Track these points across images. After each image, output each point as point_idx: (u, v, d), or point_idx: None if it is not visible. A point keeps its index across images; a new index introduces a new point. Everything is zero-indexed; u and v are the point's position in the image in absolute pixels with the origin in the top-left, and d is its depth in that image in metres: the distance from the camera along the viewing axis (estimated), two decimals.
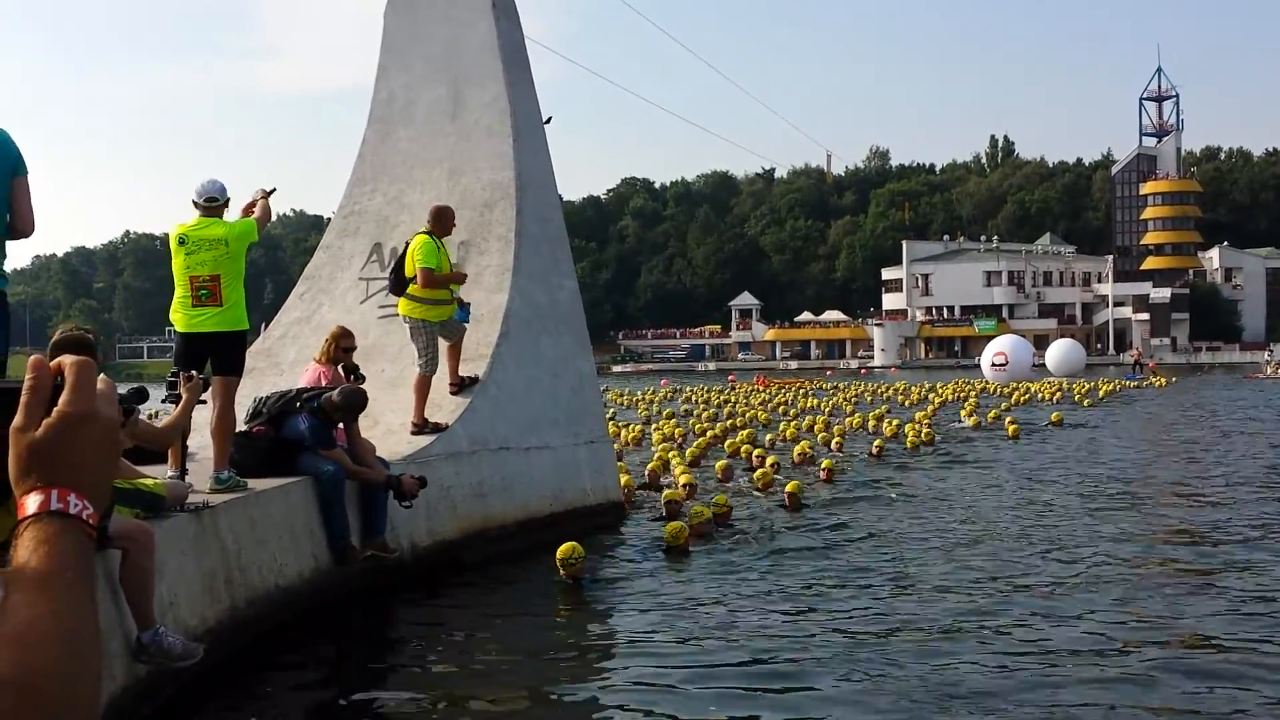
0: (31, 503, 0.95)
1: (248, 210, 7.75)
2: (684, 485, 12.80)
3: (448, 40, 12.06)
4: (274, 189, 7.87)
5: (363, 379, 8.57)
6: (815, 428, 21.57)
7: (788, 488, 12.53)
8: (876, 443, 18.65)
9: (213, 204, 7.39)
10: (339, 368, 8.63)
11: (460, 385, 10.03)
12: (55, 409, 0.98)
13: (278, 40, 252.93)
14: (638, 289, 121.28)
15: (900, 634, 7.02)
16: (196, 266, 7.23)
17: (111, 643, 5.16)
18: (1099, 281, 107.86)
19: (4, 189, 5.36)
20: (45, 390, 0.99)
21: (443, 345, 9.74)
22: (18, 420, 0.98)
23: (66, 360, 1.01)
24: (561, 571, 8.40)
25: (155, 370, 70.15)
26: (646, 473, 14.09)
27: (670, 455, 15.64)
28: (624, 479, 12.51)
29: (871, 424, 23.29)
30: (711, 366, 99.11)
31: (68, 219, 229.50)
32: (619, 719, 5.71)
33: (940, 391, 37.37)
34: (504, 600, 8.43)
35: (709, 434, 19.95)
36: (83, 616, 0.93)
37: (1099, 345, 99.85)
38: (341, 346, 8.70)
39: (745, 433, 19.39)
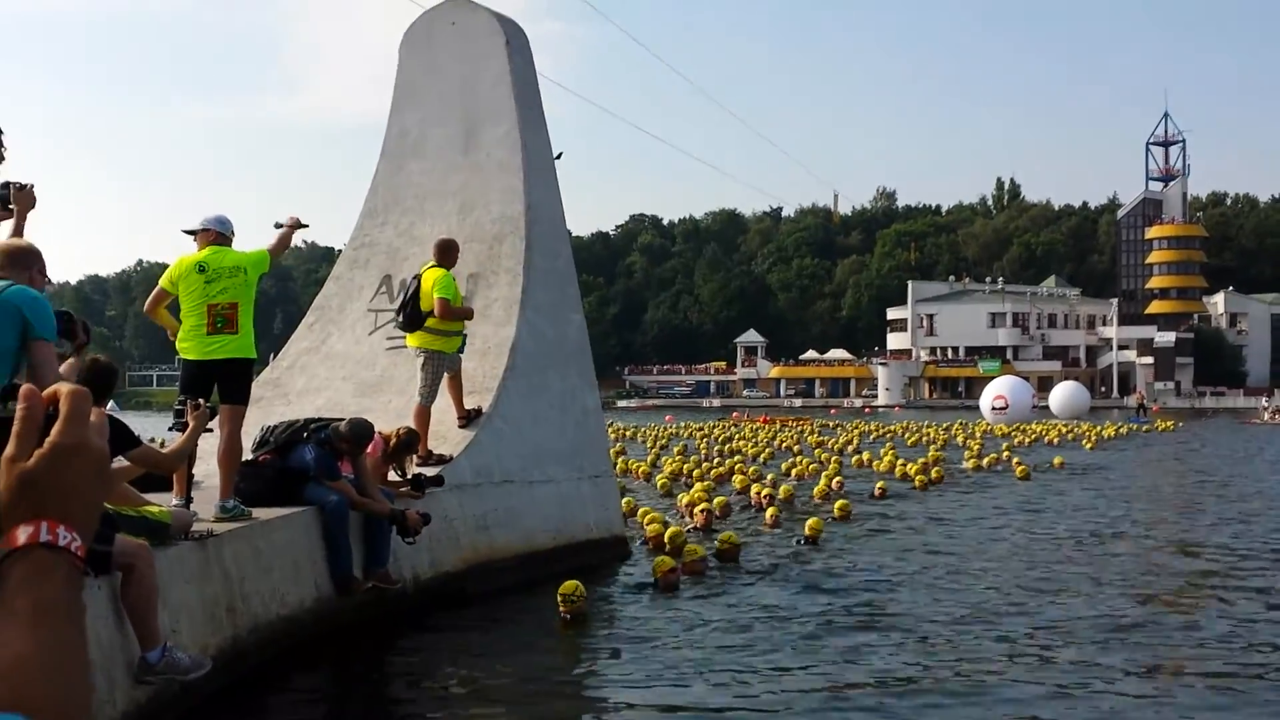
0: (21, 534, 0.95)
1: (279, 231, 7.85)
2: (699, 512, 13.27)
3: (461, 76, 12.19)
4: (306, 224, 7.96)
5: (439, 482, 8.96)
6: (814, 469, 21.48)
7: (809, 523, 12.80)
8: (879, 484, 18.60)
9: (221, 236, 7.51)
10: (392, 467, 8.81)
11: (468, 418, 10.07)
12: (47, 439, 0.98)
13: (295, 75, 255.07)
14: (645, 325, 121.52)
15: (893, 681, 7.00)
16: (218, 294, 7.28)
17: (114, 669, 5.18)
18: (1103, 324, 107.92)
19: (11, 348, 4.68)
20: (37, 420, 0.98)
21: (444, 378, 9.79)
22: (9, 450, 0.97)
23: (62, 389, 1.01)
24: (562, 608, 8.38)
25: (164, 398, 70.28)
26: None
27: (683, 495, 15.59)
28: (666, 528, 11.97)
29: (878, 464, 23.28)
30: (716, 403, 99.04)
31: (82, 247, 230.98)
32: None
33: (949, 430, 37.33)
34: (504, 634, 8.41)
35: (714, 472, 19.96)
36: (72, 650, 0.93)
37: (1103, 388, 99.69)
38: (415, 453, 9.00)
39: (751, 470, 19.37)
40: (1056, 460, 25.46)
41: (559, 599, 8.38)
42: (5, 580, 0.94)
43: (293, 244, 7.98)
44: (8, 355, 4.62)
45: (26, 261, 4.86)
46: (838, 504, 15.13)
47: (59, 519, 0.96)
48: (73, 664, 0.92)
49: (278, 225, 7.98)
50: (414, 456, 9.08)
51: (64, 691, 0.90)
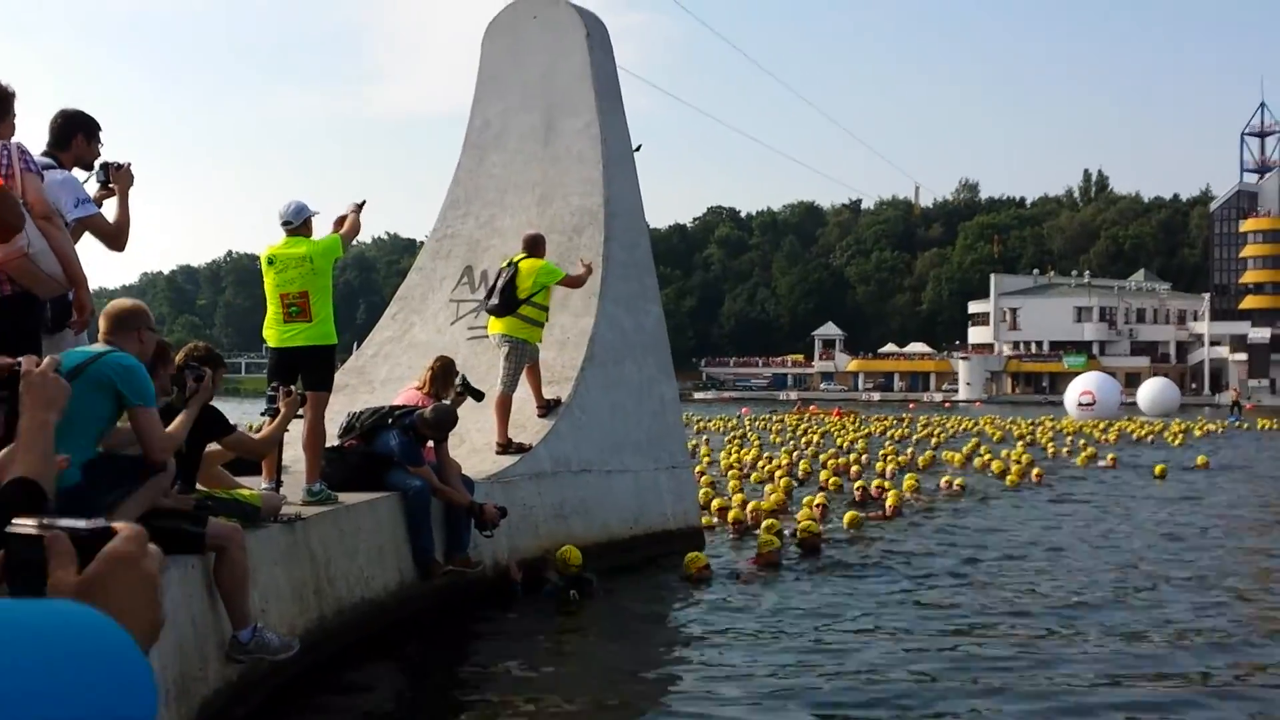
0: None
1: (338, 224, 7.97)
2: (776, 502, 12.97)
3: (542, 69, 12.30)
4: (364, 202, 8.12)
5: (479, 395, 8.83)
6: (889, 465, 21.20)
7: (801, 525, 11.47)
8: (959, 480, 18.29)
9: (289, 225, 7.66)
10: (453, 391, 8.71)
11: (547, 408, 10.17)
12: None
13: (381, 67, 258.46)
14: (721, 317, 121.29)
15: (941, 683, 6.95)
16: (285, 284, 7.51)
17: (206, 647, 5.35)
18: (1195, 320, 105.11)
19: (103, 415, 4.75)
20: None
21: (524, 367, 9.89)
22: None
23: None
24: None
25: (251, 385, 71.90)
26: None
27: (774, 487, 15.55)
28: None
29: (960, 460, 23.00)
30: (793, 396, 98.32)
31: (174, 238, 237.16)
32: None
33: (1039, 425, 36.70)
34: (577, 620, 8.51)
35: (780, 464, 19.87)
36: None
37: (1194, 385, 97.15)
38: (452, 380, 8.86)
39: (844, 460, 19.23)
40: (1200, 459, 24.36)
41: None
42: None
43: (360, 224, 8.05)
44: (99, 422, 4.67)
45: (132, 323, 4.86)
46: (896, 494, 15.03)
47: None
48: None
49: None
50: (453, 385, 8.84)
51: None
